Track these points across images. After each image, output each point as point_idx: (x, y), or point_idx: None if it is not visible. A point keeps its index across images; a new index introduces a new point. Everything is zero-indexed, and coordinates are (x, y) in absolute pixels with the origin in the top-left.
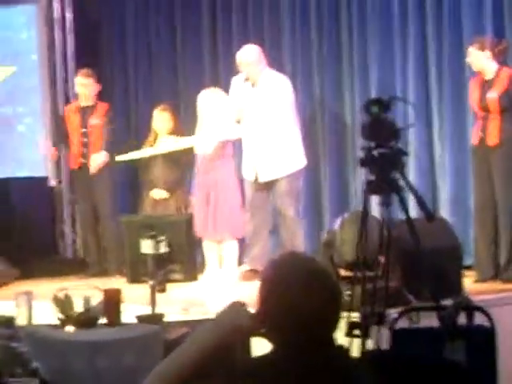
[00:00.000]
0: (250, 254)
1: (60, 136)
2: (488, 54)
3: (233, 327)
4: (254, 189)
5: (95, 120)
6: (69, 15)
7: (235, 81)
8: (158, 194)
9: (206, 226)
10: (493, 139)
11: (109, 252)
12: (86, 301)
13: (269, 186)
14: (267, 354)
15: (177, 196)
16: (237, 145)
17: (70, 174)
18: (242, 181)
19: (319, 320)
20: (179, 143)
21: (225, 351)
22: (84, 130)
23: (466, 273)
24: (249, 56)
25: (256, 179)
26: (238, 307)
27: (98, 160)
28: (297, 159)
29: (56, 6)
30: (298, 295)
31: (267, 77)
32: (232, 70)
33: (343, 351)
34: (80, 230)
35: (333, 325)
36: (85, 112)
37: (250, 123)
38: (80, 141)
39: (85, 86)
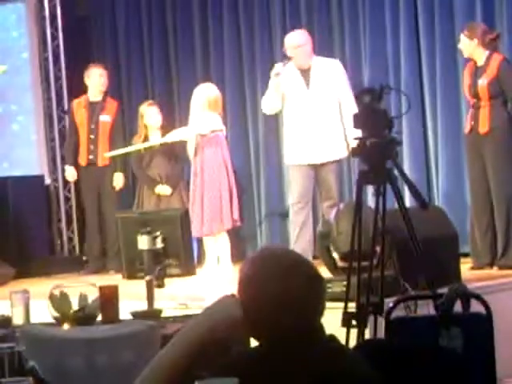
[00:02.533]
0: (295, 247)
1: (73, 151)
2: (476, 42)
3: (224, 320)
4: (306, 176)
5: (105, 117)
6: (59, 12)
7: (279, 68)
8: (162, 190)
9: (195, 222)
10: (483, 127)
11: (110, 249)
12: (82, 298)
13: (318, 172)
14: (255, 349)
15: (179, 191)
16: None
17: (77, 170)
18: (233, 170)
19: (301, 308)
20: (169, 137)
21: (221, 343)
22: (92, 126)
23: (463, 260)
24: (296, 40)
25: (310, 163)
26: (228, 300)
27: (120, 182)
28: (344, 146)
29: (46, 3)
30: (275, 286)
31: (319, 62)
32: (223, 64)
33: (333, 340)
34: (81, 228)
35: (316, 312)
36: (93, 107)
37: (305, 108)
38: (87, 137)
39: (104, 76)
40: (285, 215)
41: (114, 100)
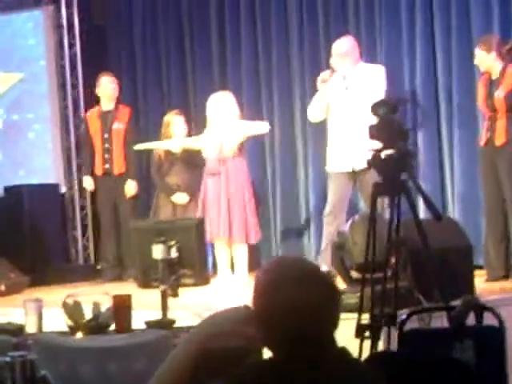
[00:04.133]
0: (319, 258)
1: (90, 162)
2: (494, 54)
3: (232, 329)
4: (342, 186)
5: (117, 125)
6: (76, 20)
7: (325, 75)
8: (180, 198)
9: (218, 227)
10: (500, 139)
11: (126, 258)
12: (96, 307)
13: (358, 178)
14: (267, 360)
15: (197, 200)
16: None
17: (94, 180)
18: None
19: (314, 319)
20: (196, 143)
21: (231, 352)
22: (106, 135)
23: (477, 272)
24: (341, 47)
25: (351, 170)
26: (237, 309)
27: (132, 189)
28: None
29: (63, 11)
30: (288, 296)
31: (362, 67)
32: (240, 74)
33: (345, 353)
34: (96, 236)
35: (330, 323)
36: (106, 117)
37: (345, 115)
38: (102, 147)
39: (115, 84)
40: (300, 226)
41: (126, 107)
